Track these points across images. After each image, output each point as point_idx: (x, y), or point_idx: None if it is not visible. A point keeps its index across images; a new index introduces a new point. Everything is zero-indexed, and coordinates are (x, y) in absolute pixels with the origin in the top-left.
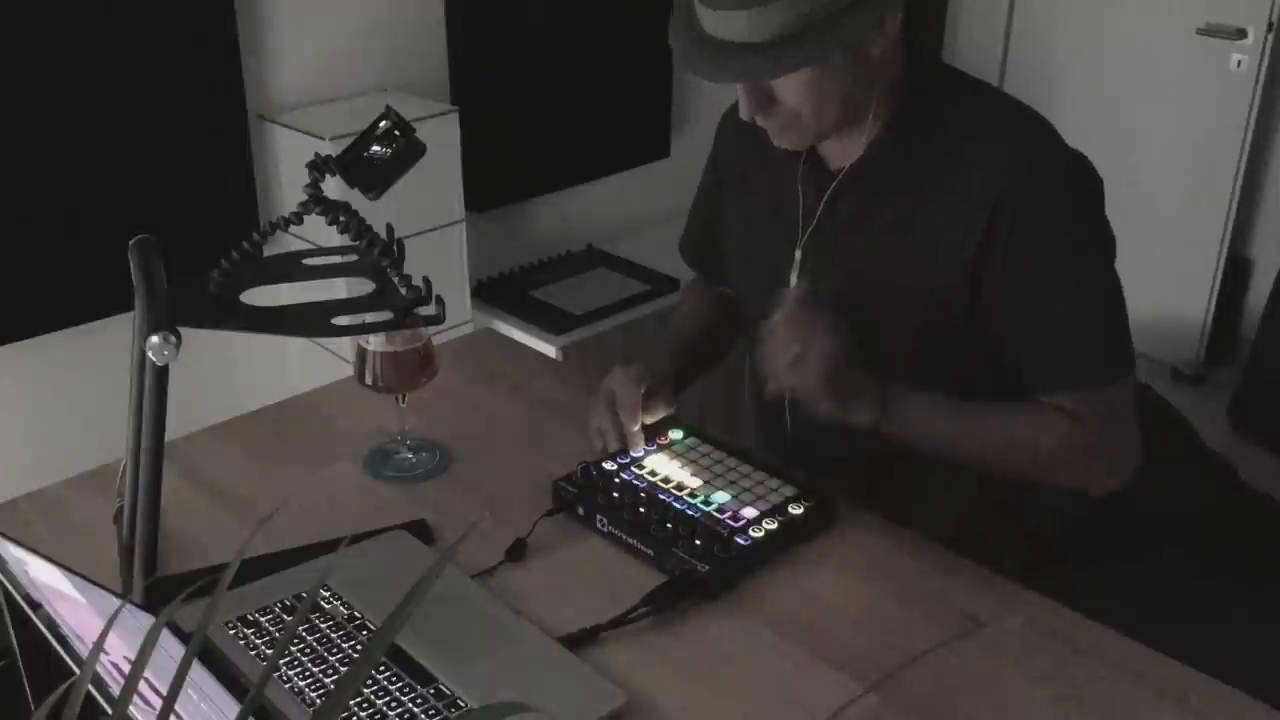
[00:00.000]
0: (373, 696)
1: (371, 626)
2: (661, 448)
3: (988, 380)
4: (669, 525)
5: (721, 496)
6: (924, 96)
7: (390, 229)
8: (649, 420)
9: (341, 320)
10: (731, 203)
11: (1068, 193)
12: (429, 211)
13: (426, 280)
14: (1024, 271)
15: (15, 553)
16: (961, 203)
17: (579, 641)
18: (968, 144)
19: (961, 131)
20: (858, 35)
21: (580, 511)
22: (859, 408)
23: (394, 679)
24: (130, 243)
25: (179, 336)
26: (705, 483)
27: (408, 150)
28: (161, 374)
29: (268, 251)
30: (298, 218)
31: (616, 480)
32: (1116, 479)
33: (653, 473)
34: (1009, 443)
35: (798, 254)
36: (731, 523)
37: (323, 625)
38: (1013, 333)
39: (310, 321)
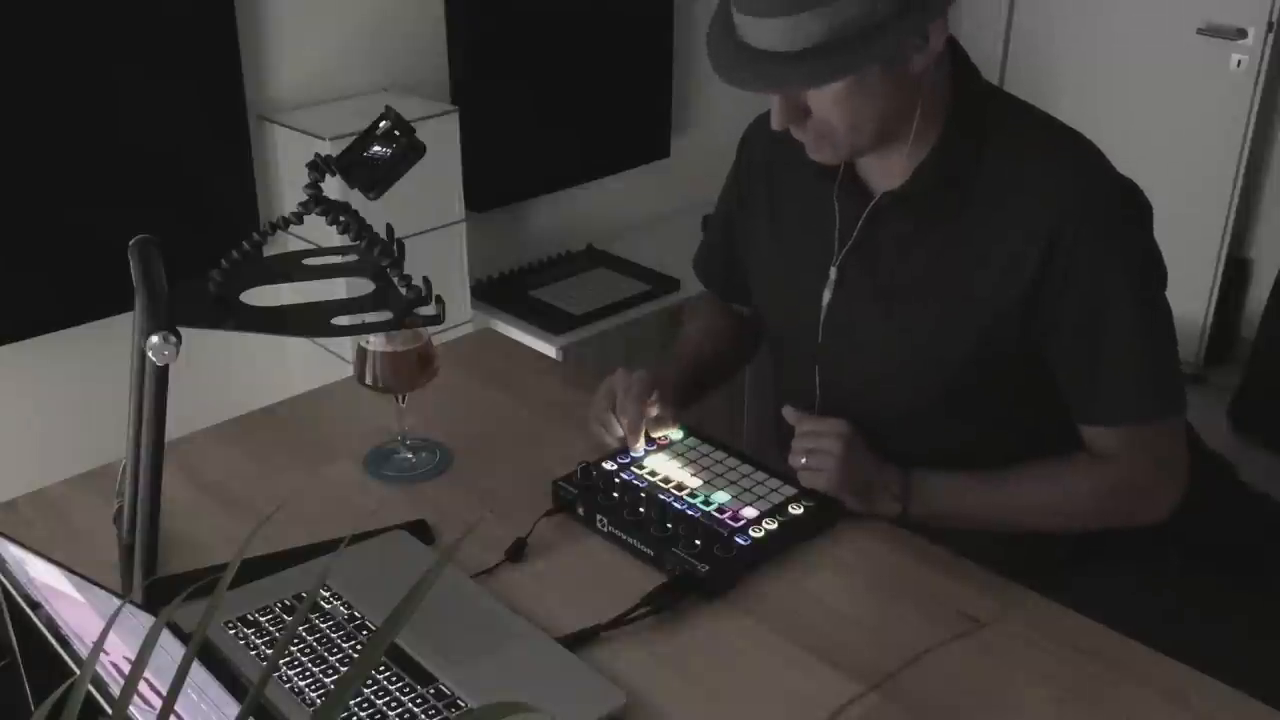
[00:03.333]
0: (373, 696)
1: (371, 626)
2: (661, 448)
3: (1029, 409)
4: (669, 525)
5: (721, 496)
6: (973, 120)
7: (390, 229)
8: (650, 434)
9: (341, 320)
10: (757, 218)
11: (1127, 222)
12: (429, 211)
13: (426, 280)
14: (1085, 302)
15: (15, 553)
16: (1017, 232)
17: (579, 641)
18: (1021, 172)
19: (1014, 158)
20: (893, 51)
21: (580, 511)
22: (881, 500)
23: (394, 679)
24: (130, 243)
25: (179, 336)
26: (705, 483)
27: (408, 150)
28: (161, 374)
29: (268, 251)
30: (298, 218)
31: (616, 480)
32: (1155, 516)
33: (653, 473)
34: (1044, 505)
35: (833, 272)
36: (731, 523)
37: (323, 625)
38: (1068, 362)
39: (310, 321)
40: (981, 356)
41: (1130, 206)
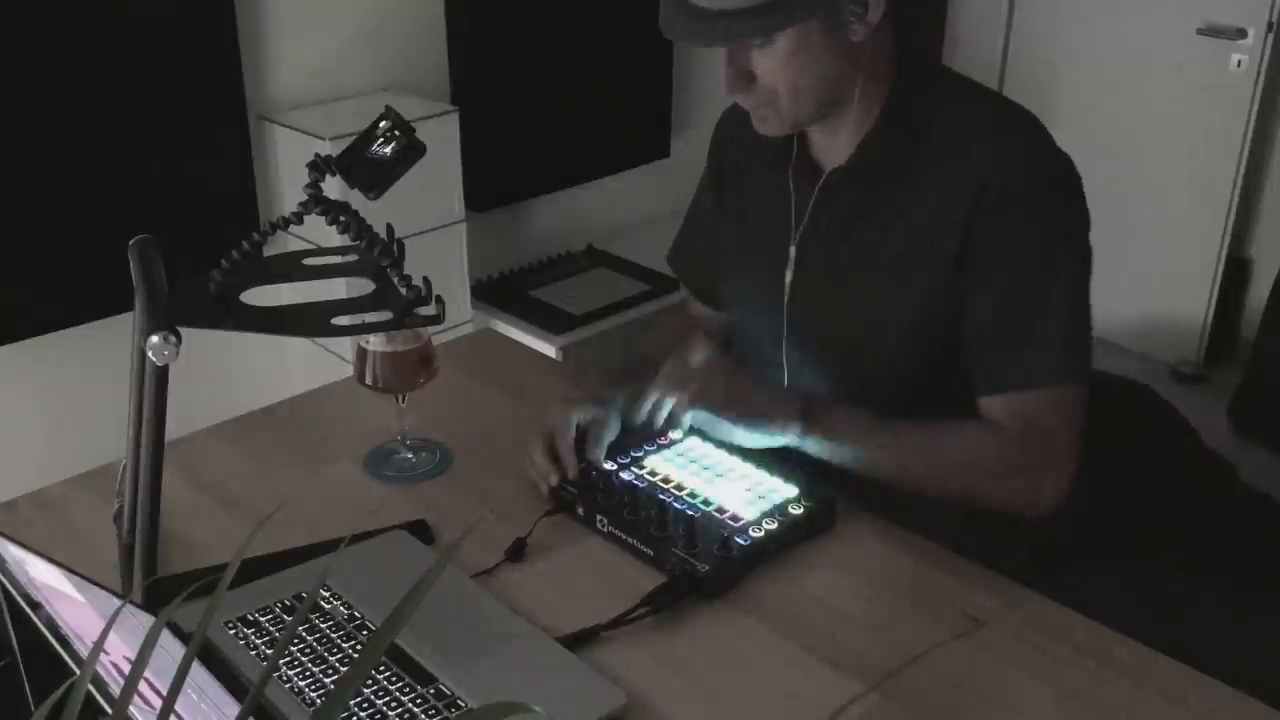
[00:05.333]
0: (373, 696)
1: (371, 626)
2: (661, 448)
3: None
4: (669, 525)
5: (721, 496)
6: (915, 95)
7: (390, 229)
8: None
9: (341, 320)
10: (728, 205)
11: (1046, 188)
12: (429, 211)
13: (426, 280)
14: (995, 261)
15: (15, 553)
16: (946, 197)
17: (579, 641)
18: (954, 140)
19: (950, 129)
20: (834, 11)
21: (580, 511)
22: (779, 420)
23: (394, 679)
24: (130, 243)
25: (179, 336)
26: (705, 483)
27: (408, 150)
28: (161, 374)
29: (268, 251)
30: (298, 218)
31: (616, 480)
32: (1046, 499)
33: (653, 473)
34: (941, 454)
35: (792, 250)
36: (731, 523)
37: (323, 625)
38: (973, 323)
39: (310, 321)
40: (931, 326)
41: (1057, 176)
